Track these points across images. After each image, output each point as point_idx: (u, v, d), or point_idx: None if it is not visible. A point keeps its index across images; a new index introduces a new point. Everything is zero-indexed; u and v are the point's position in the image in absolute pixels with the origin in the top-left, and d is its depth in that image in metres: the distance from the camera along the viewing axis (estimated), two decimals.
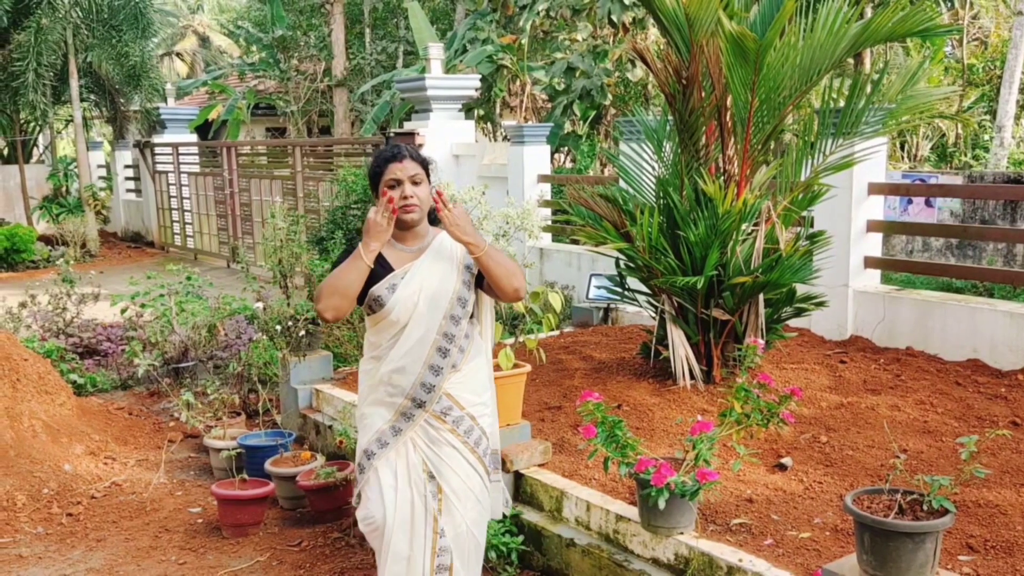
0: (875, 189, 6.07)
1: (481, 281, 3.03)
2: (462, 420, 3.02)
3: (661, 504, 3.09)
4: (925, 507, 2.74)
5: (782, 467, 4.09)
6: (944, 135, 19.88)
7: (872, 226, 6.11)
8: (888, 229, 6.89)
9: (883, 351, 5.70)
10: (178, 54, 32.30)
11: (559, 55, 13.47)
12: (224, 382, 6.46)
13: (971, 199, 10.97)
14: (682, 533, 3.42)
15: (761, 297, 4.92)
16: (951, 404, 4.73)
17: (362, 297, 2.96)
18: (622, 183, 5.58)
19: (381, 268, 2.94)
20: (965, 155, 19.05)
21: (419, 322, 2.94)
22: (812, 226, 5.91)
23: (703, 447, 3.12)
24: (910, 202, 11.20)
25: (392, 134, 10.38)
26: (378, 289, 2.94)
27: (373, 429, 3.02)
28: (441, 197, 2.81)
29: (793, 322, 5.68)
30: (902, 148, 19.95)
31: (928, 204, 11.12)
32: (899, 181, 10.72)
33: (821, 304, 5.16)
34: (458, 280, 3.00)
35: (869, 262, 6.13)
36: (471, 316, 3.05)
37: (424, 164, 3.00)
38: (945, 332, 5.58)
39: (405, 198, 2.90)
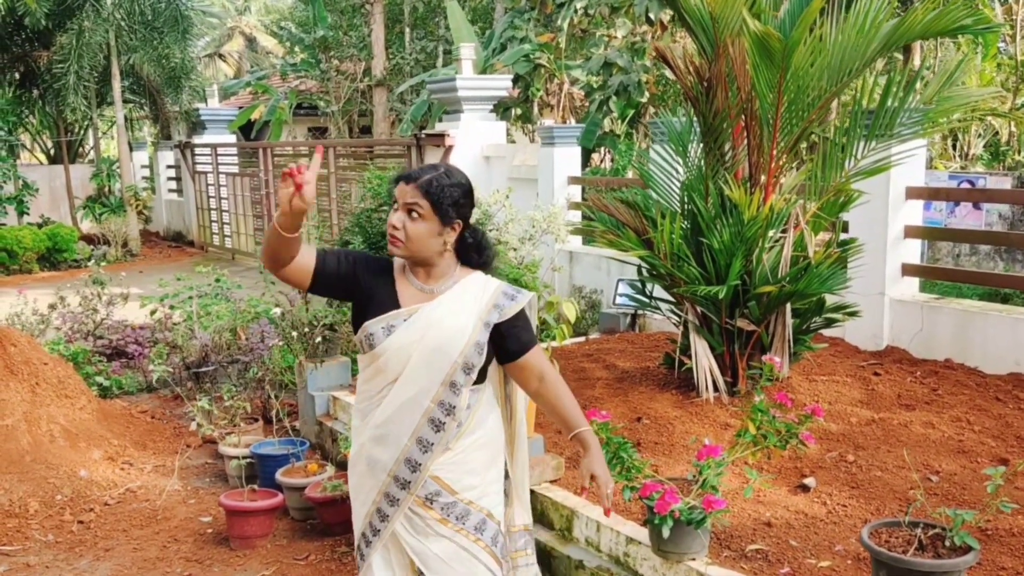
0: (913, 193, 5.81)
1: (501, 351, 2.56)
2: (454, 507, 2.50)
3: (665, 532, 2.93)
4: (947, 543, 2.55)
5: (805, 488, 3.90)
6: (997, 133, 19.28)
7: (910, 232, 5.85)
8: (927, 235, 6.62)
9: (920, 363, 5.45)
10: (221, 55, 32.64)
11: (597, 52, 13.28)
12: (244, 387, 6.41)
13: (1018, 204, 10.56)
14: (693, 559, 3.25)
15: (788, 307, 4.72)
16: (989, 422, 4.48)
17: (356, 326, 2.55)
18: (648, 188, 5.41)
19: (387, 299, 2.50)
20: (1018, 153, 18.45)
21: (411, 380, 2.45)
22: (846, 232, 5.69)
23: (709, 473, 2.95)
24: (957, 204, 10.82)
25: (423, 135, 10.29)
26: (373, 325, 2.48)
27: (363, 512, 2.58)
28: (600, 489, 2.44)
29: (826, 331, 5.46)
30: (954, 147, 19.39)
31: (976, 206, 10.73)
32: (944, 183, 10.37)
33: (853, 314, 4.94)
34: (470, 341, 2.47)
35: (907, 269, 5.87)
36: (476, 381, 2.53)
37: (436, 199, 2.43)
38: (986, 344, 5.32)
39: (393, 228, 2.45)
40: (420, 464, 2.47)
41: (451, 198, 2.46)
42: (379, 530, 2.53)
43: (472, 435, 2.53)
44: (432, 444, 2.46)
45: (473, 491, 2.52)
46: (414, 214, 2.43)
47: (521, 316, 2.56)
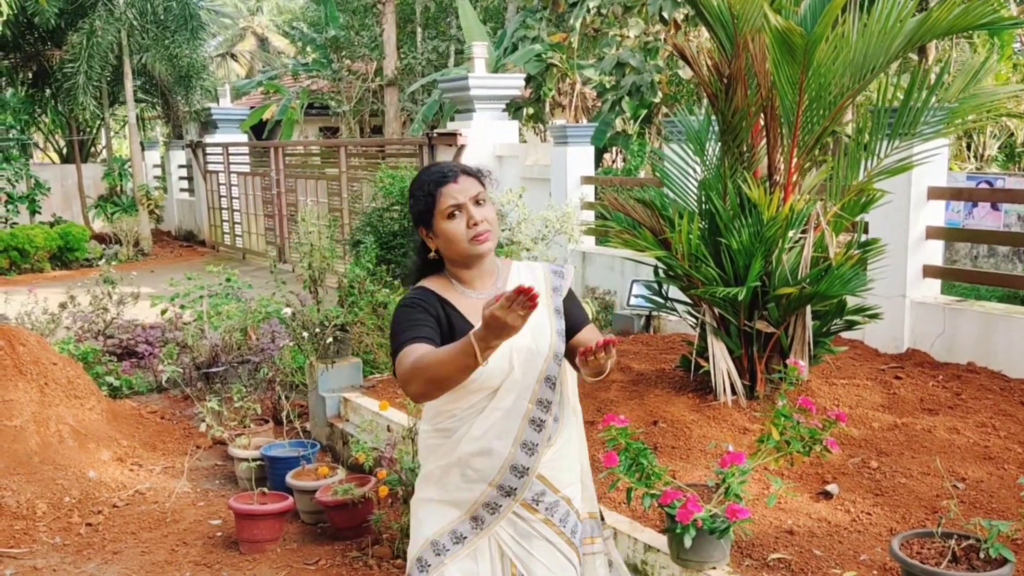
0: (935, 194, 5.70)
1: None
2: (557, 506, 2.39)
3: (687, 542, 2.84)
4: (982, 555, 2.46)
5: (827, 495, 3.80)
6: (1012, 134, 19.10)
7: (931, 233, 5.75)
8: (949, 236, 6.51)
9: (942, 366, 5.34)
10: (233, 55, 32.69)
11: (609, 51, 13.19)
12: (254, 388, 6.35)
13: None
14: (714, 568, 3.17)
15: (808, 309, 4.62)
16: (1015, 427, 4.38)
17: None
18: (665, 187, 5.32)
19: (456, 325, 2.32)
20: None
21: (511, 389, 2.30)
22: (867, 232, 5.59)
23: (733, 481, 2.86)
24: (975, 205, 10.69)
25: (435, 135, 10.23)
26: None
27: (446, 519, 2.37)
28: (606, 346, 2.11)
29: (846, 334, 5.36)
30: (968, 148, 19.23)
31: (994, 207, 10.60)
32: (962, 184, 10.25)
33: (874, 316, 4.83)
34: (552, 331, 2.37)
35: (928, 271, 5.77)
36: None
37: (482, 177, 2.38)
38: (1010, 347, 5.20)
39: (476, 224, 2.27)
40: (528, 468, 2.32)
41: (486, 171, 2.43)
42: (466, 537, 2.34)
43: (567, 427, 2.44)
44: (536, 445, 2.33)
45: (570, 488, 2.43)
46: (481, 202, 2.32)
47: (571, 292, 2.51)
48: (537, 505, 2.35)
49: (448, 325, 2.31)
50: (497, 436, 2.30)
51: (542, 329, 2.33)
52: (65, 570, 4.25)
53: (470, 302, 2.34)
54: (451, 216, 2.28)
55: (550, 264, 2.53)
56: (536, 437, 2.32)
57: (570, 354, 2.41)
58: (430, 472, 2.41)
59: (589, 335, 2.43)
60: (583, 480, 2.54)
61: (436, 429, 2.39)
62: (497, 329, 1.91)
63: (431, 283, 2.40)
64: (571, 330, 2.44)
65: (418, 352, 2.15)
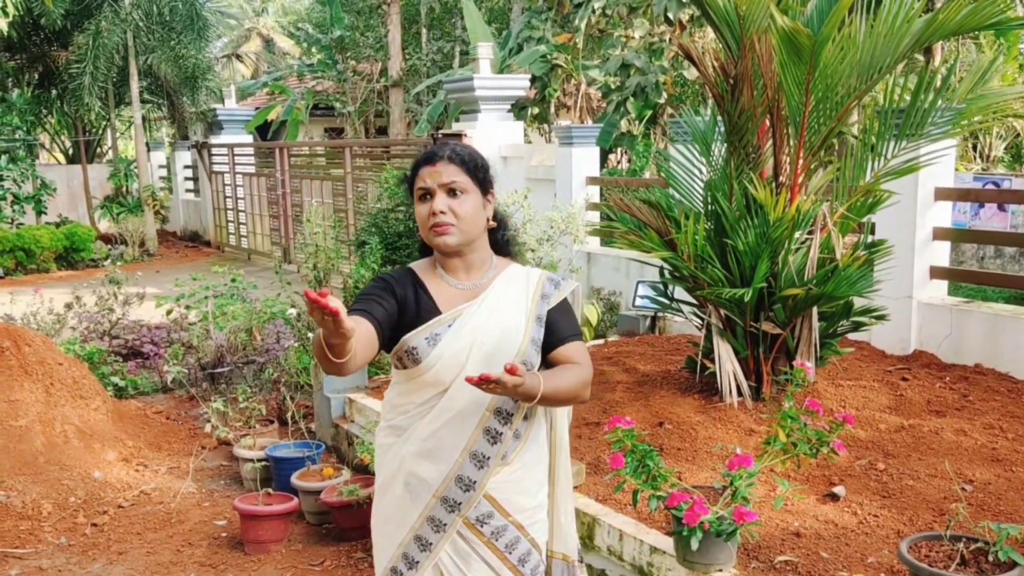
0: (942, 195, 5.68)
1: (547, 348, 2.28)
2: (504, 531, 2.23)
3: (694, 545, 2.83)
4: (991, 558, 2.44)
5: (834, 497, 3.79)
6: (1019, 135, 19.03)
7: (939, 234, 5.72)
8: (956, 237, 6.49)
9: (949, 368, 5.32)
10: (238, 56, 32.73)
11: (614, 52, 13.17)
12: (259, 388, 6.34)
13: None
14: (720, 570, 3.15)
15: (815, 310, 4.60)
16: (1023, 429, 4.36)
17: (390, 343, 2.22)
18: (670, 188, 5.31)
19: (423, 308, 2.21)
20: None
21: (464, 389, 2.12)
22: (873, 233, 5.57)
23: (741, 484, 2.84)
24: (981, 206, 10.65)
25: (440, 135, 10.22)
26: (414, 338, 2.18)
27: (395, 541, 2.25)
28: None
29: (852, 335, 5.34)
30: (974, 149, 19.17)
31: (1001, 208, 10.56)
32: (969, 185, 10.21)
33: (881, 318, 4.82)
34: (526, 338, 2.21)
35: (935, 272, 5.74)
36: None
37: (471, 167, 2.22)
38: (1018, 348, 5.18)
39: (433, 214, 2.17)
40: (475, 482, 2.18)
41: (482, 162, 2.26)
42: (418, 562, 2.22)
43: (530, 449, 2.27)
44: (488, 458, 2.18)
45: (524, 513, 2.26)
46: (457, 192, 2.18)
47: (564, 304, 2.32)
48: (482, 527, 2.21)
49: (416, 307, 2.21)
50: (446, 439, 2.18)
51: (513, 332, 2.19)
52: (70, 570, 4.25)
53: (447, 290, 2.24)
54: (421, 198, 2.21)
55: (550, 274, 2.39)
56: (489, 450, 2.18)
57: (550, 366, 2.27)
58: (379, 485, 2.32)
59: (568, 352, 2.25)
60: (558, 517, 2.40)
61: (390, 426, 2.30)
62: (325, 330, 1.83)
63: (420, 264, 2.33)
64: (550, 342, 2.27)
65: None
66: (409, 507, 2.21)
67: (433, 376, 2.17)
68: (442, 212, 2.15)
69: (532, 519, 2.28)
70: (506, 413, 2.19)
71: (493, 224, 2.29)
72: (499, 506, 2.21)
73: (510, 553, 2.22)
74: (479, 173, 2.23)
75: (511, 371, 1.88)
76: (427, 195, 2.19)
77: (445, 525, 2.19)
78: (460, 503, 2.18)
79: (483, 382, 1.89)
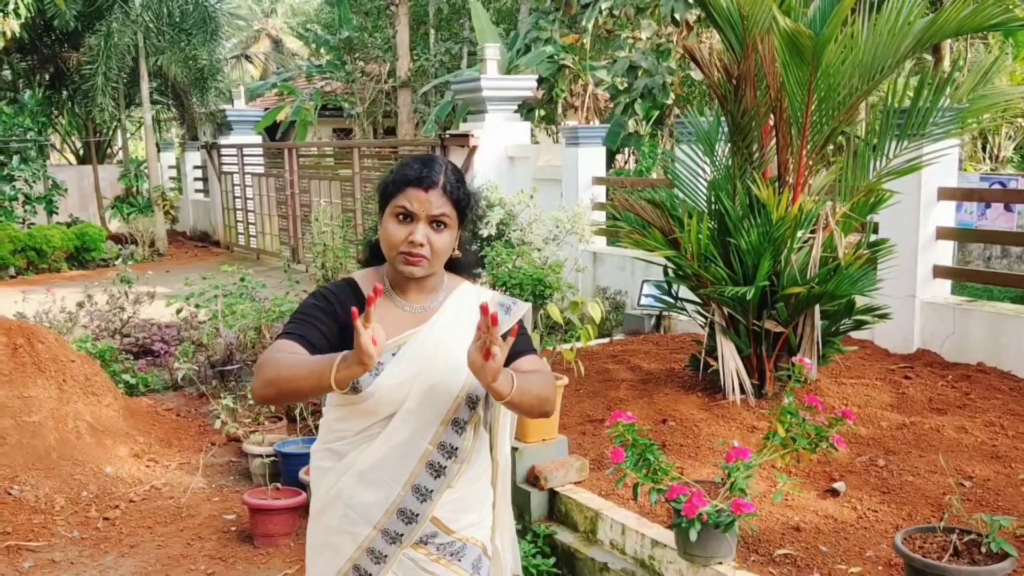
0: (945, 194, 5.71)
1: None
2: (449, 545, 2.14)
3: (692, 536, 2.88)
4: (983, 549, 2.49)
5: (834, 492, 3.83)
6: None
7: (942, 233, 5.76)
8: (959, 237, 6.52)
9: (952, 366, 5.36)
10: (247, 57, 32.87)
11: (622, 54, 13.22)
12: None
13: None
14: (720, 563, 3.21)
15: (817, 309, 4.65)
16: (1023, 426, 4.40)
17: None
18: (675, 187, 5.36)
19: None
20: None
21: (406, 421, 2.03)
22: (876, 233, 5.61)
23: (738, 475, 2.90)
24: (988, 206, 10.66)
25: (447, 136, 10.28)
26: None
27: (333, 569, 2.11)
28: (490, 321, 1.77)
29: (855, 333, 5.39)
30: (984, 149, 19.14)
31: (1007, 208, 10.57)
32: (975, 184, 10.22)
33: (884, 316, 4.86)
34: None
35: (938, 271, 5.78)
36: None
37: (461, 202, 2.07)
38: (1020, 347, 5.22)
39: (412, 243, 2.00)
40: (418, 515, 2.07)
41: (470, 197, 2.11)
42: None
43: (471, 469, 2.15)
44: (431, 491, 2.07)
45: (472, 529, 2.17)
46: (440, 225, 2.03)
47: (521, 327, 2.13)
48: (426, 544, 2.10)
49: (345, 323, 2.02)
50: (387, 472, 2.05)
51: (460, 366, 1.93)
52: (83, 563, 4.33)
53: (394, 312, 2.08)
54: (399, 217, 2.02)
55: (501, 296, 2.24)
56: (432, 484, 2.07)
57: None
58: (316, 509, 2.18)
59: (525, 364, 2.10)
60: (500, 534, 2.30)
61: (327, 448, 2.14)
62: (360, 358, 1.73)
63: (366, 275, 2.17)
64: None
65: (285, 350, 1.96)
66: (347, 539, 2.09)
67: (373, 405, 2.03)
68: (421, 244, 2.00)
69: (479, 533, 2.20)
70: (450, 447, 2.08)
71: (458, 254, 2.13)
72: (443, 526, 2.11)
73: (459, 560, 2.14)
74: (466, 213, 2.10)
75: (490, 316, 1.77)
76: (408, 218, 2.02)
77: (386, 557, 2.08)
78: (402, 535, 2.08)
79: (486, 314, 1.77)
